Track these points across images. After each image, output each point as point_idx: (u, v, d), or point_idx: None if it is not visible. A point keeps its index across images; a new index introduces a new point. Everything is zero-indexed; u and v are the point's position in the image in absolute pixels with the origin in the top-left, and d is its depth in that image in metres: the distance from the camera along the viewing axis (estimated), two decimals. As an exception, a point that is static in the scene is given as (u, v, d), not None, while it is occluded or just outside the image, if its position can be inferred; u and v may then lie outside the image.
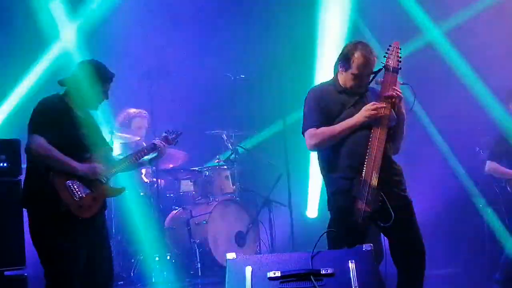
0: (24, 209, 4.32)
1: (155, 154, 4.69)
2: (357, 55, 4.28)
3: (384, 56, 4.36)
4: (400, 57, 4.36)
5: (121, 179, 6.27)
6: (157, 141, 4.76)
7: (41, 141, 4.04)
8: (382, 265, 4.29)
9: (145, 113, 7.47)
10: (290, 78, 7.64)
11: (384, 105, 4.25)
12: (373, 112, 4.25)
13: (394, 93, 4.24)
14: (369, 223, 4.19)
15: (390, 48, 4.38)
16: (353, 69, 4.30)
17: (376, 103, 4.27)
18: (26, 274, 5.17)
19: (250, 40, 8.49)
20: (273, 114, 7.80)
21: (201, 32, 8.45)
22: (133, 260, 6.86)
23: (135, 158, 4.59)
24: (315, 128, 4.34)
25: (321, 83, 4.66)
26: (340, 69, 4.40)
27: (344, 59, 4.34)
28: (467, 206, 7.58)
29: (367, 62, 4.29)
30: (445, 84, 7.63)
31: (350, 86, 4.37)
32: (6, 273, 5.13)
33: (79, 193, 4.11)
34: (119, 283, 6.53)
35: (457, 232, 7.73)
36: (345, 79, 4.38)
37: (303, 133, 4.43)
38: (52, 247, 4.05)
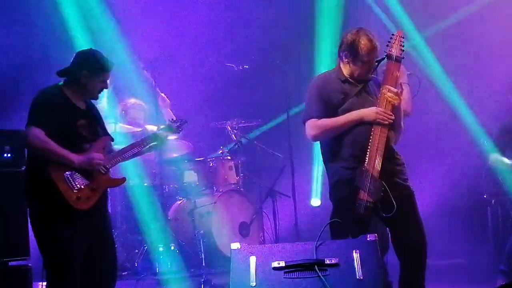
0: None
1: (155, 142, 4.65)
2: (363, 41, 4.26)
3: (387, 45, 4.34)
4: (403, 46, 4.34)
5: (125, 169, 6.29)
6: (158, 131, 4.71)
7: (37, 133, 4.01)
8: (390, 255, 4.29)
9: (140, 104, 7.32)
10: (294, 68, 7.61)
11: (392, 116, 4.23)
12: (380, 117, 4.21)
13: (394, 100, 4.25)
14: (371, 214, 4.18)
15: (393, 37, 4.36)
16: (363, 56, 4.27)
17: (387, 111, 4.23)
18: (30, 264, 5.18)
19: (254, 29, 8.46)
20: (277, 104, 7.78)
21: (204, 22, 8.41)
22: (137, 251, 6.87)
23: (136, 149, 4.50)
24: (316, 119, 4.33)
25: (324, 72, 4.64)
26: (346, 59, 4.35)
27: (350, 48, 4.30)
28: (471, 197, 7.58)
29: (375, 46, 4.28)
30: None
31: (358, 74, 4.34)
32: (10, 263, 5.14)
33: (77, 184, 4.08)
34: (123, 273, 6.54)
35: (461, 223, 7.72)
36: (352, 68, 4.35)
37: (304, 122, 4.42)
38: (51, 237, 4.04)
